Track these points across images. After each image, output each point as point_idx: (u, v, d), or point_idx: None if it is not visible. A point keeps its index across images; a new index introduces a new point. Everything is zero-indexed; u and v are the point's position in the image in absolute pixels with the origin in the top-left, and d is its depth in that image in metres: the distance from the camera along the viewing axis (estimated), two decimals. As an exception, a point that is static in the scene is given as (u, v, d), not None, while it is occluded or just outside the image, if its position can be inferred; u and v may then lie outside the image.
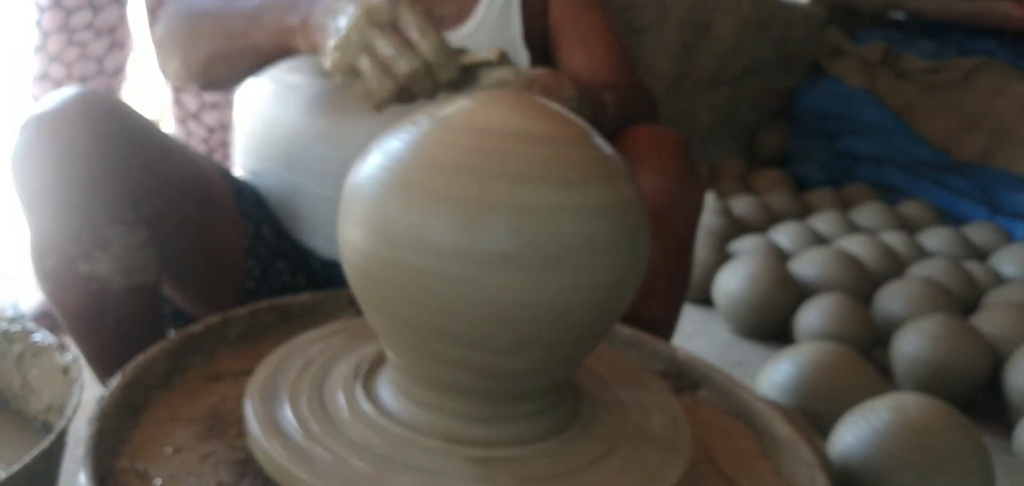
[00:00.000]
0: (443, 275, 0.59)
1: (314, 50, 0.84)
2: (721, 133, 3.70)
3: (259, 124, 1.14)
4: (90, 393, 0.75)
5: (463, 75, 0.80)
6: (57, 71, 1.50)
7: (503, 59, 0.79)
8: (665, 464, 0.68)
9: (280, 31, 0.88)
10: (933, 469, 1.10)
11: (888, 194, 3.30)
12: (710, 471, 0.75)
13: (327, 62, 0.81)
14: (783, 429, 0.78)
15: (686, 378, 0.91)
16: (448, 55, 0.78)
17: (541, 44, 1.18)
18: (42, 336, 0.81)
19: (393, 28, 0.78)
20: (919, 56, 3.71)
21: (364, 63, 0.79)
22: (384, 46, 0.78)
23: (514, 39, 1.14)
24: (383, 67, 0.78)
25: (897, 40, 3.83)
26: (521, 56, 1.14)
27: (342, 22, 0.79)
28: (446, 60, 0.78)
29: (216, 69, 0.98)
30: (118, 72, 1.59)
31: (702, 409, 0.86)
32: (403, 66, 0.78)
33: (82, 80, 1.52)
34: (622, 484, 0.65)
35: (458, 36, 1.10)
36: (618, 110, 1.00)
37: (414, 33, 0.77)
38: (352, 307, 0.92)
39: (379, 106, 0.81)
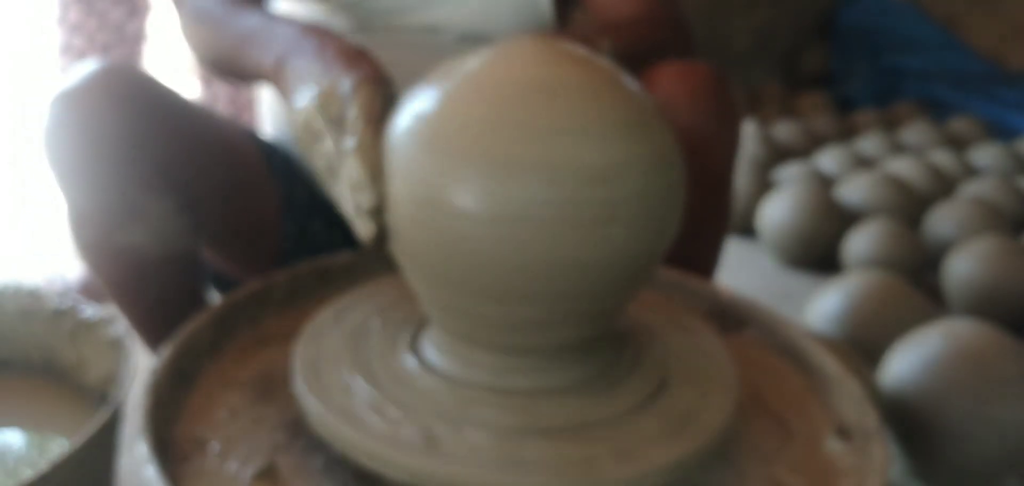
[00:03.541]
0: (473, 234, 0.59)
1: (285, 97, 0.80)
2: (760, 56, 3.62)
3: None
4: (142, 362, 0.77)
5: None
6: (79, 41, 1.52)
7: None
8: (713, 405, 0.68)
9: (258, 67, 0.86)
10: (988, 394, 1.08)
11: (936, 110, 3.21)
12: (759, 410, 0.75)
13: (293, 129, 0.77)
14: (831, 365, 0.77)
15: (730, 318, 0.90)
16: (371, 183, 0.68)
17: None
18: (91, 311, 0.83)
19: (339, 125, 0.71)
20: (964, -37, 3.57)
21: (316, 154, 0.73)
22: (327, 149, 0.71)
23: None
24: (326, 158, 0.72)
25: (941, -52, 3.69)
26: (543, 1, 1.11)
27: (304, 99, 0.74)
28: (363, 222, 0.68)
29: (221, 73, 0.97)
30: (138, 38, 1.62)
31: (748, 348, 0.85)
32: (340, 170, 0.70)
33: (104, 48, 1.55)
34: (669, 427, 0.65)
35: None
36: (621, 51, 0.96)
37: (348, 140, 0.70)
38: (392, 265, 0.93)
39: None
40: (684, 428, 0.65)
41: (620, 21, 1.05)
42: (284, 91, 0.81)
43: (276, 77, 0.83)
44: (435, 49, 1.06)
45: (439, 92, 0.63)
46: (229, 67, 0.94)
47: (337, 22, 1.07)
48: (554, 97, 0.60)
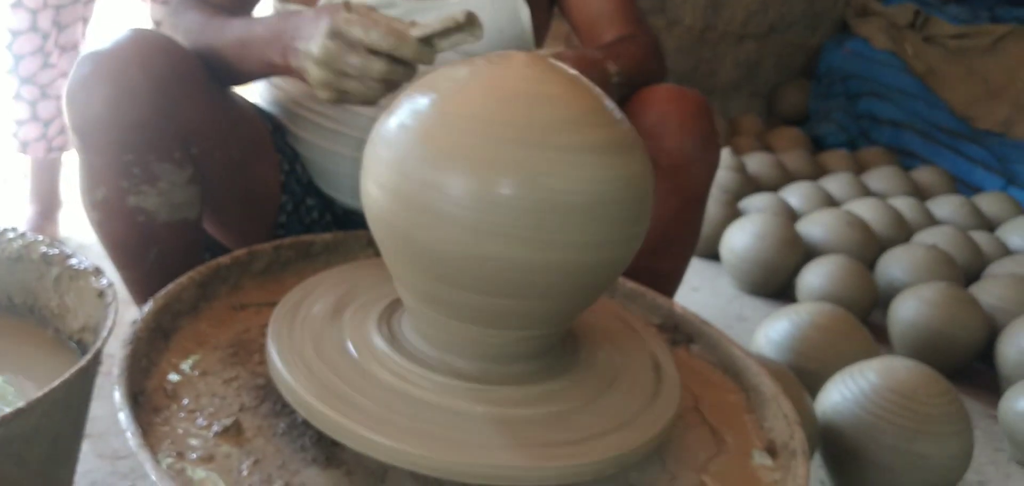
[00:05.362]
0: (454, 234, 0.64)
1: (301, 78, 0.90)
2: (743, 88, 3.70)
3: (271, 88, 1.18)
4: (122, 316, 0.81)
5: (429, 46, 0.85)
6: None
7: (470, 20, 0.84)
8: (654, 410, 0.73)
9: (265, 65, 0.94)
10: (913, 431, 1.14)
11: (905, 159, 3.30)
12: (696, 421, 0.80)
13: (319, 95, 0.88)
14: (768, 386, 0.82)
15: (682, 332, 0.95)
16: (406, 43, 0.83)
17: None
18: (79, 261, 0.86)
19: (357, 43, 0.84)
20: (949, 20, 3.65)
21: (347, 83, 0.85)
22: (355, 62, 0.84)
23: None
24: (361, 77, 0.85)
25: (928, 2, 3.78)
26: (521, 11, 1.14)
27: (314, 49, 0.85)
28: (407, 48, 0.83)
29: (224, 79, 1.03)
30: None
31: (695, 362, 0.91)
32: (376, 71, 0.84)
33: (57, 8, 1.55)
34: (612, 424, 0.70)
35: None
36: (624, 78, 1.02)
37: (375, 39, 0.83)
38: (370, 248, 0.97)
39: (373, 102, 0.88)
40: (626, 427, 0.70)
41: (611, 43, 1.10)
42: (298, 72, 0.88)
43: (285, 65, 0.90)
44: None
45: (433, 97, 0.67)
46: (230, 77, 1.01)
47: None
48: (543, 110, 0.65)
